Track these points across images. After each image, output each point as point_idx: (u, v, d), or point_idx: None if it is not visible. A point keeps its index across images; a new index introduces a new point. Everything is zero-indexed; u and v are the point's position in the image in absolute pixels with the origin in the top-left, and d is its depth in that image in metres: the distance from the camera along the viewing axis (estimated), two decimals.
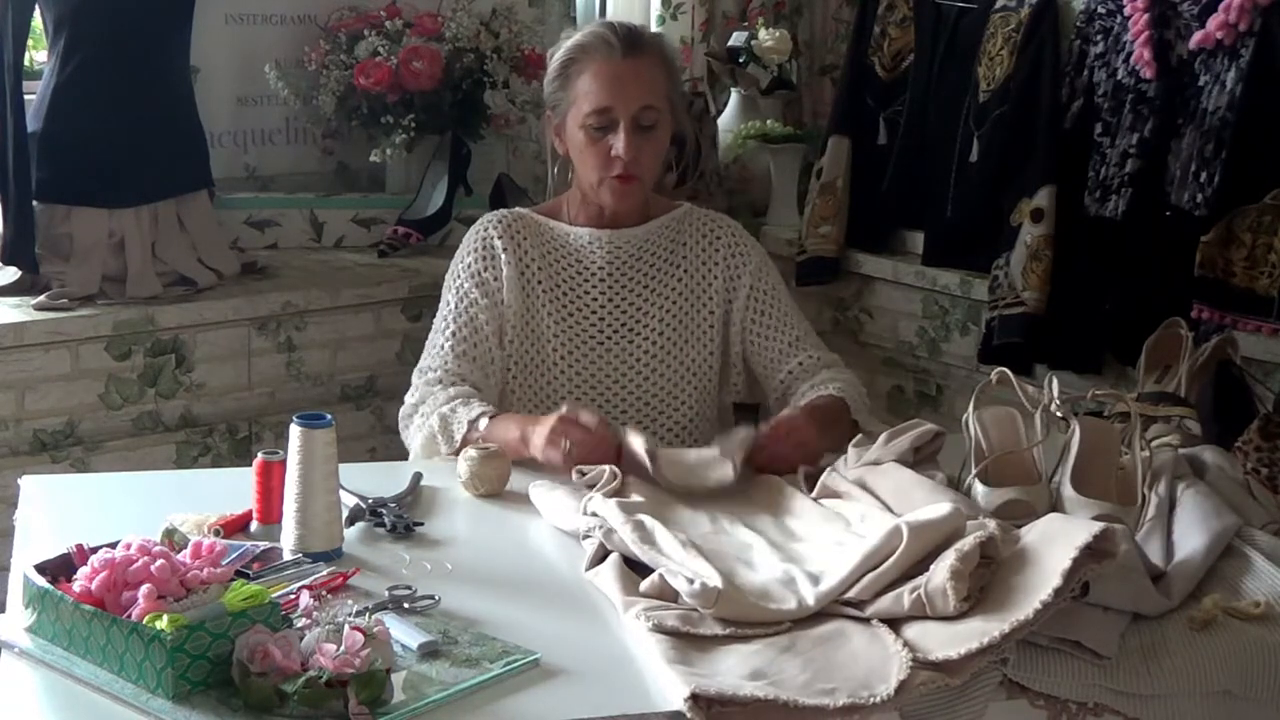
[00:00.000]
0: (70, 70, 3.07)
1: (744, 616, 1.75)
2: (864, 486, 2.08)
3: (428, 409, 2.43)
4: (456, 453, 2.31)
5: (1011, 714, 1.73)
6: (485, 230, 2.55)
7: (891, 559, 1.79)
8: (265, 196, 3.57)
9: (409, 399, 2.49)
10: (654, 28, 3.88)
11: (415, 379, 2.51)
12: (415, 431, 2.44)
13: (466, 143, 3.62)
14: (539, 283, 2.52)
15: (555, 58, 2.54)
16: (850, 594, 1.79)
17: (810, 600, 1.78)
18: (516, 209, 2.63)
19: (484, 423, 2.36)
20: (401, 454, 2.59)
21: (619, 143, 2.45)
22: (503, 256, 2.52)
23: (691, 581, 1.77)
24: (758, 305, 2.57)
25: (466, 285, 2.52)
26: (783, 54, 3.81)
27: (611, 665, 1.70)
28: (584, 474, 2.15)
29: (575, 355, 2.51)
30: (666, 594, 1.80)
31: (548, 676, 1.67)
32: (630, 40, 2.49)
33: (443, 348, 2.50)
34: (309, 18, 3.65)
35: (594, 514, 2.01)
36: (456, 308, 2.51)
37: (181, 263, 3.18)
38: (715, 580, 1.77)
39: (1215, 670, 1.75)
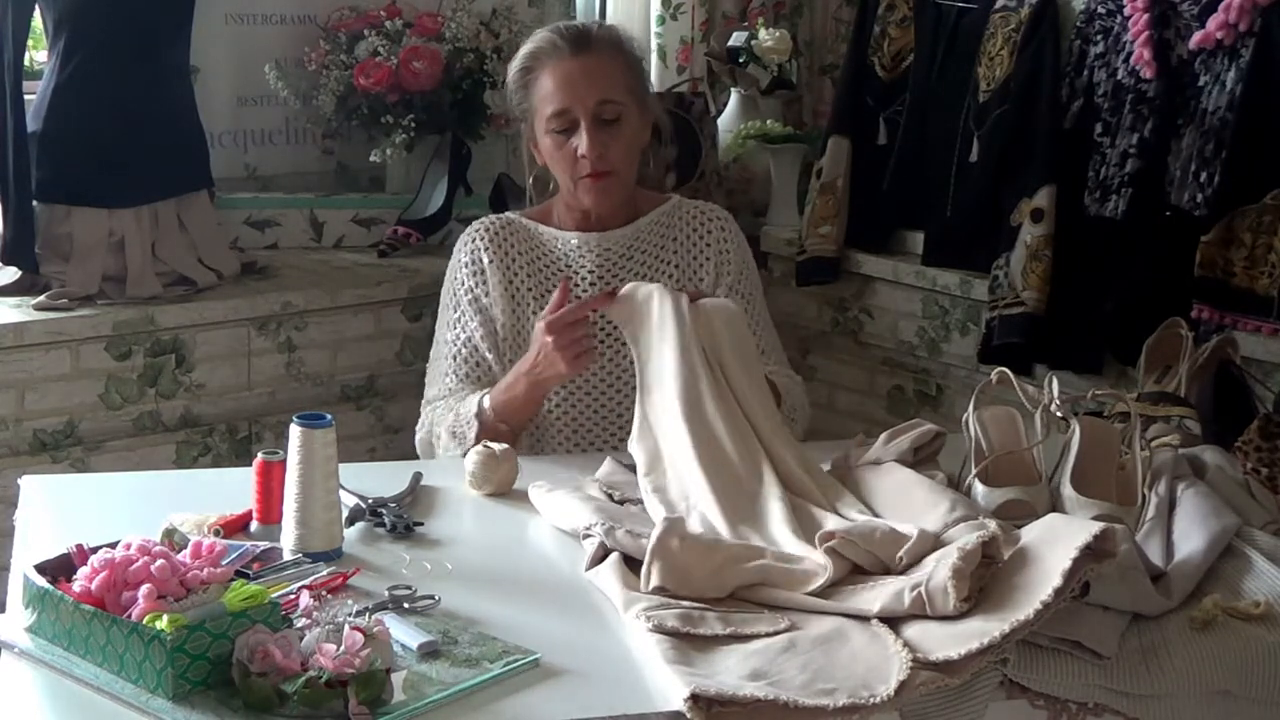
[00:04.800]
0: (70, 70, 3.07)
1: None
2: (858, 491, 2.10)
3: (437, 430, 2.47)
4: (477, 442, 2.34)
5: (1011, 714, 1.73)
6: (473, 243, 2.55)
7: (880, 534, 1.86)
8: (265, 196, 3.57)
9: (419, 433, 2.54)
10: (654, 28, 3.88)
11: (423, 412, 2.54)
12: (437, 456, 2.48)
13: (466, 143, 3.62)
14: (528, 290, 2.52)
15: (511, 70, 2.54)
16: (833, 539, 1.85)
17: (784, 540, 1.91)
18: (506, 214, 2.61)
19: (486, 402, 2.40)
20: (401, 454, 2.59)
21: (582, 141, 2.44)
22: (489, 269, 2.52)
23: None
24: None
25: (464, 308, 2.53)
26: (783, 54, 3.81)
27: (611, 665, 1.70)
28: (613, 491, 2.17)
29: None
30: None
31: (548, 676, 1.67)
32: (577, 39, 2.48)
33: (446, 374, 2.53)
34: (309, 18, 3.65)
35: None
36: (455, 334, 2.53)
37: (181, 263, 3.18)
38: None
39: (1215, 670, 1.75)
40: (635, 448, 2.14)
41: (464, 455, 2.29)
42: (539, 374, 2.34)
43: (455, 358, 2.52)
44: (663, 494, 2.06)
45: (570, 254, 2.54)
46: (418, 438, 2.54)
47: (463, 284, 2.54)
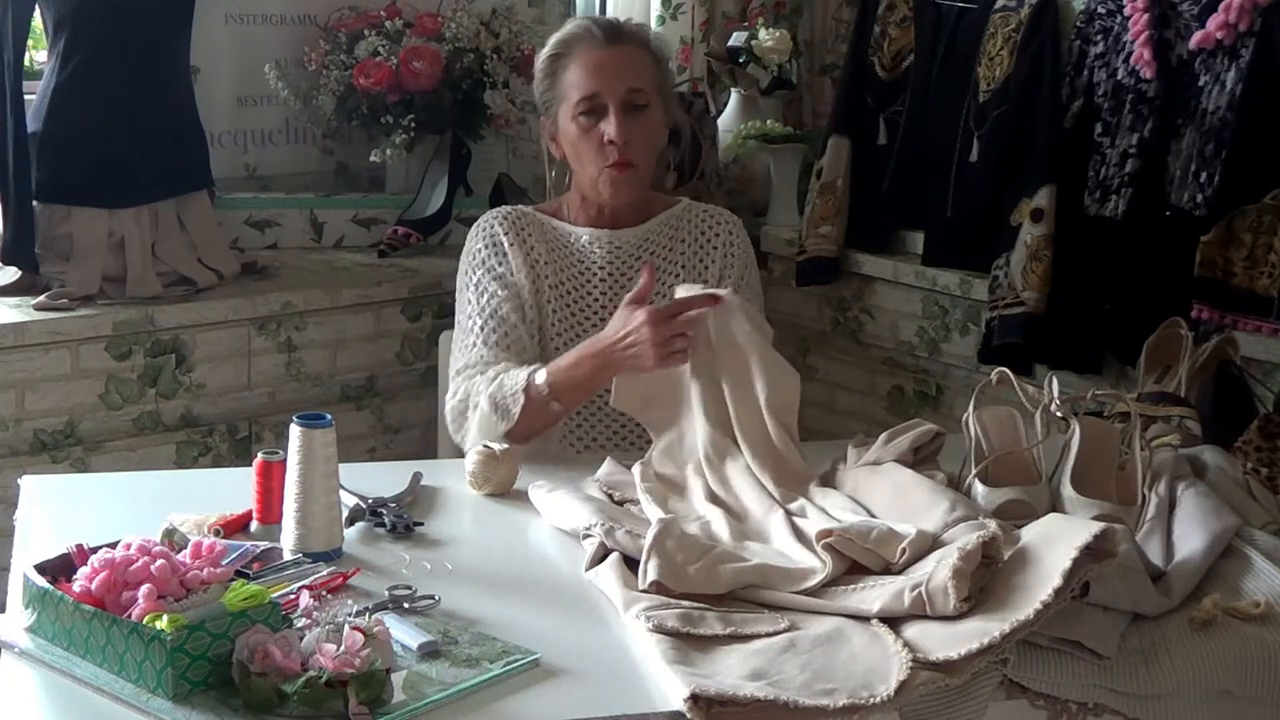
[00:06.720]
0: (70, 70, 3.07)
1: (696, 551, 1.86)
2: (856, 494, 2.10)
3: (475, 399, 2.38)
4: (518, 423, 2.31)
5: (1011, 714, 1.73)
6: (491, 227, 2.55)
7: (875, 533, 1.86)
8: (265, 196, 3.57)
9: (450, 401, 2.44)
10: (654, 28, 3.88)
11: (453, 381, 2.47)
12: (470, 424, 2.39)
13: (466, 143, 3.62)
14: (545, 277, 2.52)
15: (541, 57, 2.56)
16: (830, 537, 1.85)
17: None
18: (519, 206, 2.62)
19: (540, 376, 2.33)
20: (401, 454, 2.59)
21: (610, 126, 2.45)
22: (509, 250, 2.52)
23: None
24: None
25: (484, 280, 2.50)
26: (783, 54, 3.81)
27: (611, 665, 1.70)
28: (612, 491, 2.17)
29: None
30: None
31: (548, 676, 1.67)
32: (612, 30, 2.52)
33: (475, 344, 2.47)
34: (309, 18, 3.65)
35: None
36: (479, 304, 2.49)
37: (181, 263, 3.18)
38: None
39: (1215, 670, 1.75)
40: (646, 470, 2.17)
41: (504, 430, 2.30)
42: (616, 355, 2.26)
43: (484, 328, 2.47)
44: (661, 501, 2.07)
45: (583, 248, 2.55)
46: (449, 405, 2.44)
47: (483, 262, 2.52)
